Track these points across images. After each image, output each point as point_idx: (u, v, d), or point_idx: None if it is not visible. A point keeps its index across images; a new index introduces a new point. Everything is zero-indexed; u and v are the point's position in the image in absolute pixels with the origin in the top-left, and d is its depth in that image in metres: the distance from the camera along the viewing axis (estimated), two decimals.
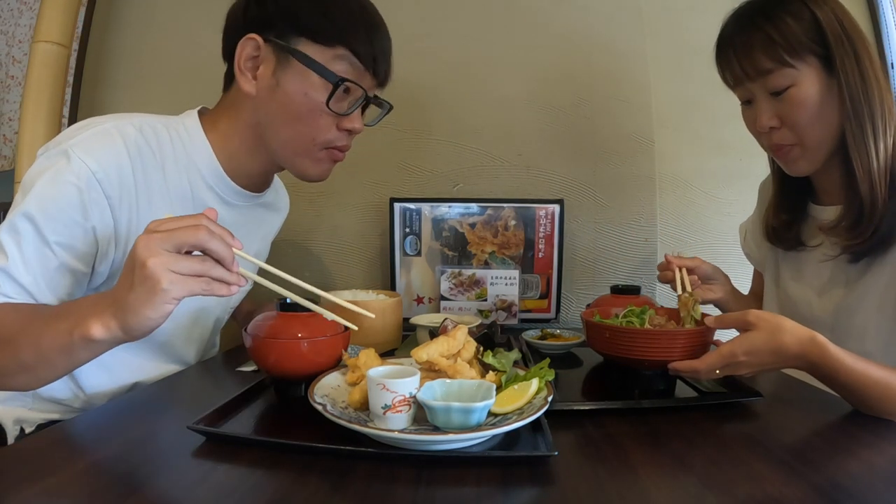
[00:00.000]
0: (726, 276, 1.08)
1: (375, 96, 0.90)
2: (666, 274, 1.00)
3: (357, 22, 0.81)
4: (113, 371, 0.86)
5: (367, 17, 0.83)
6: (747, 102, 0.90)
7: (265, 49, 0.81)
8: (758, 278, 1.18)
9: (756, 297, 1.16)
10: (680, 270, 0.97)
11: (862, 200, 0.81)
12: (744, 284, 1.17)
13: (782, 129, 0.86)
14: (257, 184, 0.95)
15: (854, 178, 0.81)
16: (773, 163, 1.00)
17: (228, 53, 0.85)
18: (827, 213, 0.91)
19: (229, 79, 0.88)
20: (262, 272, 0.71)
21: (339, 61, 0.80)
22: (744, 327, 0.72)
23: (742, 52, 0.85)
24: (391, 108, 0.93)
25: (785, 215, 0.98)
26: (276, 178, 1.06)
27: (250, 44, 0.81)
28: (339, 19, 0.80)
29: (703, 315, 0.84)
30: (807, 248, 0.96)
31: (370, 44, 0.81)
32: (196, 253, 0.60)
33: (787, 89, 0.82)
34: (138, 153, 0.79)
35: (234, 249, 0.61)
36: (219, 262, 0.60)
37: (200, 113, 0.90)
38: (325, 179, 0.91)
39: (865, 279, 0.85)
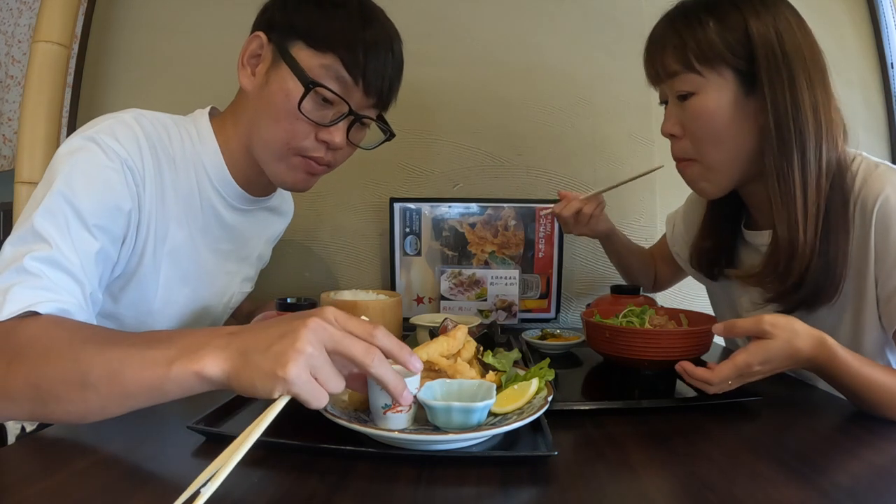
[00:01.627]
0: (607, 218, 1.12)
1: (380, 117, 0.88)
2: (572, 204, 1.04)
3: (355, 34, 0.78)
4: None
5: (368, 32, 0.79)
6: (665, 104, 0.85)
7: (267, 48, 0.81)
8: (661, 248, 1.19)
9: (653, 257, 1.20)
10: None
11: (779, 239, 0.73)
12: None
13: (684, 140, 0.81)
14: (260, 188, 0.94)
15: (777, 217, 0.74)
16: None
17: None
18: (761, 237, 0.84)
19: None
20: None
21: (327, 69, 0.77)
22: (758, 335, 0.68)
23: (657, 50, 0.81)
24: (392, 135, 0.91)
25: (707, 242, 0.92)
26: None
27: (256, 41, 0.81)
28: (337, 28, 0.78)
29: (709, 319, 0.84)
30: (732, 282, 0.89)
31: (364, 58, 0.78)
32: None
33: (690, 96, 0.77)
34: (153, 145, 0.78)
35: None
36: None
37: (211, 114, 0.90)
38: (305, 190, 0.89)
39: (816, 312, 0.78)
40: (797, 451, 0.61)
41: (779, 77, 0.72)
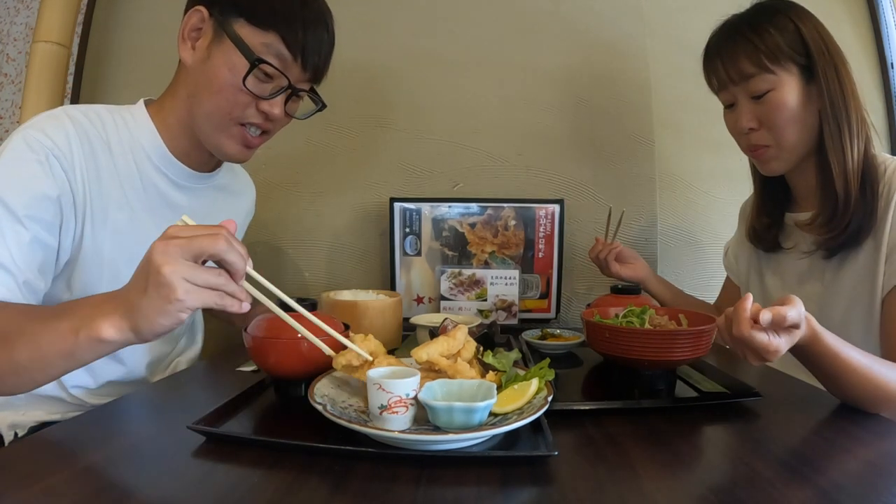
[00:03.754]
0: (642, 260, 1.25)
1: (313, 89, 0.91)
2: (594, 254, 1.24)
3: (294, 12, 0.82)
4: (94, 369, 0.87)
5: (306, 11, 0.84)
6: (730, 106, 0.97)
7: (208, 23, 0.83)
8: (728, 293, 1.22)
9: (718, 310, 1.21)
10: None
11: (836, 197, 0.87)
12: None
13: (760, 130, 0.92)
14: (202, 163, 0.94)
15: (830, 177, 0.88)
16: (753, 170, 1.05)
17: None
18: (803, 218, 0.96)
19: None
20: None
21: (268, 46, 0.81)
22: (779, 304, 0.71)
23: (728, 58, 0.92)
24: (324, 106, 0.94)
25: (765, 218, 1.05)
26: None
27: (196, 15, 0.83)
28: (277, 6, 0.81)
29: (708, 319, 0.84)
30: (784, 250, 1.02)
31: (302, 35, 0.82)
32: (210, 264, 0.58)
33: (766, 93, 0.89)
34: (84, 132, 0.81)
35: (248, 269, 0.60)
36: (232, 275, 0.58)
37: (147, 103, 0.92)
38: (243, 161, 0.92)
39: (840, 274, 0.90)
40: (797, 450, 0.61)
41: (829, 66, 0.88)
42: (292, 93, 0.87)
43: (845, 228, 0.87)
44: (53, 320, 0.62)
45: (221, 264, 0.58)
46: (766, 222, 1.05)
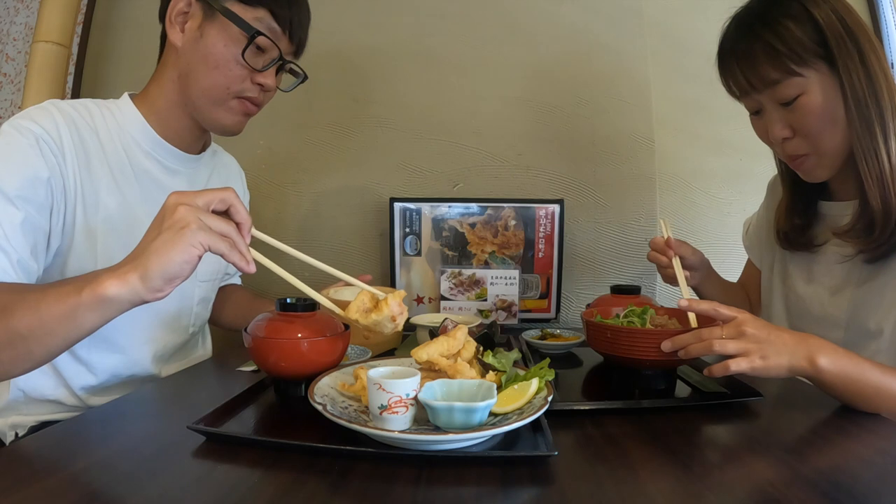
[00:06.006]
0: (707, 263, 1.07)
1: (293, 64, 0.95)
2: (658, 256, 0.99)
3: None
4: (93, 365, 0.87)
5: None
6: (756, 113, 0.88)
7: (195, 5, 0.87)
8: (749, 270, 1.17)
9: (743, 287, 1.16)
10: (676, 257, 0.96)
11: (873, 208, 0.78)
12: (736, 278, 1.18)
13: (795, 139, 0.83)
14: (193, 144, 0.97)
15: (864, 186, 0.78)
16: (780, 164, 0.97)
17: (164, 13, 0.91)
18: (840, 208, 0.89)
19: (162, 44, 0.93)
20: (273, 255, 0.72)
21: (260, 21, 0.86)
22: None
23: (746, 62, 0.82)
24: (306, 77, 0.98)
25: (798, 220, 0.95)
26: (215, 144, 1.08)
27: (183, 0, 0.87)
28: None
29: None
30: (817, 248, 0.93)
31: (289, 9, 0.88)
32: None
33: (796, 98, 0.80)
34: (73, 120, 0.83)
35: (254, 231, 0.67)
36: (239, 227, 0.64)
37: (132, 96, 0.94)
38: (238, 133, 0.94)
39: (882, 276, 0.82)
40: (797, 450, 0.61)
41: (851, 57, 0.77)
42: (282, 65, 0.91)
43: (889, 238, 0.78)
44: (56, 286, 0.64)
45: (231, 213, 0.64)
46: (799, 224, 0.94)
